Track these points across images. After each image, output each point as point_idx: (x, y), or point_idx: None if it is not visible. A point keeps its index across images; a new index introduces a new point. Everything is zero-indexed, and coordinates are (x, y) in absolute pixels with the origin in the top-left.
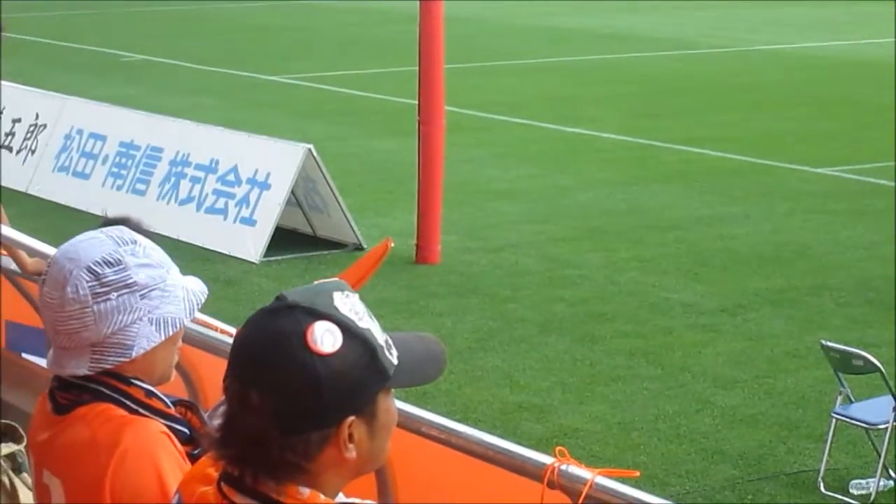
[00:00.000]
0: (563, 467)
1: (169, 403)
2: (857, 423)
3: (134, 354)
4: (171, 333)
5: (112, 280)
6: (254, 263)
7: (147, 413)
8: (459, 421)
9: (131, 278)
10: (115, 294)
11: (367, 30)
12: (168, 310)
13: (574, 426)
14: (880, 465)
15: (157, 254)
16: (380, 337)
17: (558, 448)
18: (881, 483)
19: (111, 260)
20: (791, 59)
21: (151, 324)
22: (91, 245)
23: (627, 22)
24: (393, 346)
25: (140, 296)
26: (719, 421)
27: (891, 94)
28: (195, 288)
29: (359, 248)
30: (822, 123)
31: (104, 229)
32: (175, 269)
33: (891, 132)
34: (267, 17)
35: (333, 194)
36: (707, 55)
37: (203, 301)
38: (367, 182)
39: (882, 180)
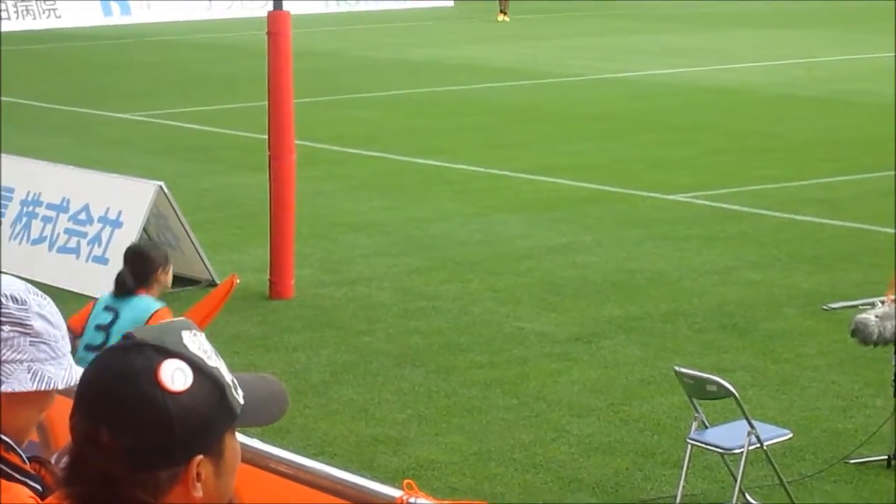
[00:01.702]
0: (412, 500)
1: (26, 459)
2: (713, 448)
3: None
4: (42, 389)
5: (12, 314)
6: None
7: (5, 467)
8: (314, 455)
9: (29, 321)
10: (9, 328)
11: (215, 65)
12: (49, 369)
13: (431, 458)
14: (736, 489)
15: (59, 319)
16: (227, 376)
17: (406, 481)
18: None
19: (18, 298)
20: (642, 86)
21: (29, 372)
22: (7, 280)
23: (478, 53)
24: (238, 386)
25: (30, 342)
26: (576, 449)
27: (741, 120)
28: (78, 373)
29: (212, 284)
30: (674, 150)
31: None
32: (69, 346)
33: (742, 157)
34: (113, 54)
35: (186, 231)
36: (558, 84)
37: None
38: (219, 218)
39: (734, 206)
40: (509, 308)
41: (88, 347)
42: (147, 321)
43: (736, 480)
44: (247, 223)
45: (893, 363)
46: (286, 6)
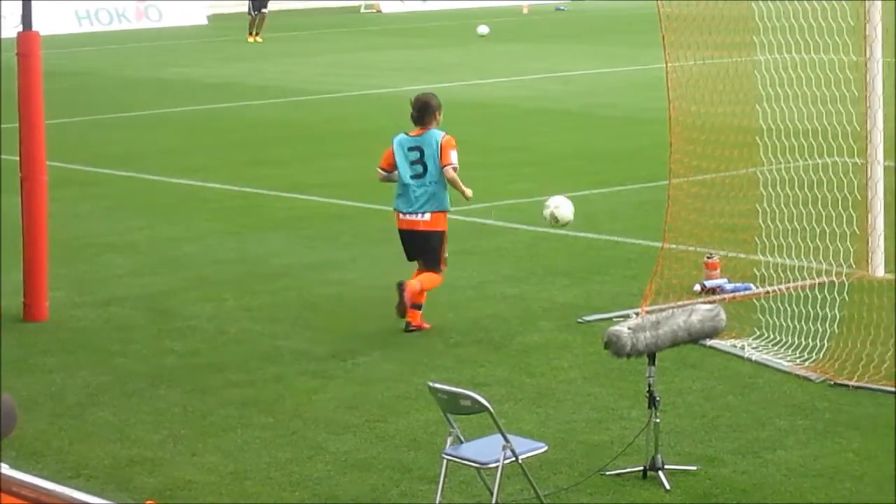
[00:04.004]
0: None
1: None
2: (468, 463)
3: None
4: None
5: None
6: None
7: None
8: (69, 479)
9: None
10: None
11: None
12: None
13: (187, 478)
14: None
15: None
16: None
17: (148, 502)
18: None
19: None
20: (397, 102)
21: None
22: None
23: (233, 71)
24: None
25: None
26: (332, 467)
27: (496, 135)
28: None
29: None
30: None
31: None
32: None
33: (497, 172)
34: None
35: None
36: (313, 101)
37: None
38: None
39: (488, 220)
40: (265, 326)
41: (414, 176)
42: (441, 144)
43: (492, 495)
44: (1, 246)
45: (647, 375)
46: (37, 26)
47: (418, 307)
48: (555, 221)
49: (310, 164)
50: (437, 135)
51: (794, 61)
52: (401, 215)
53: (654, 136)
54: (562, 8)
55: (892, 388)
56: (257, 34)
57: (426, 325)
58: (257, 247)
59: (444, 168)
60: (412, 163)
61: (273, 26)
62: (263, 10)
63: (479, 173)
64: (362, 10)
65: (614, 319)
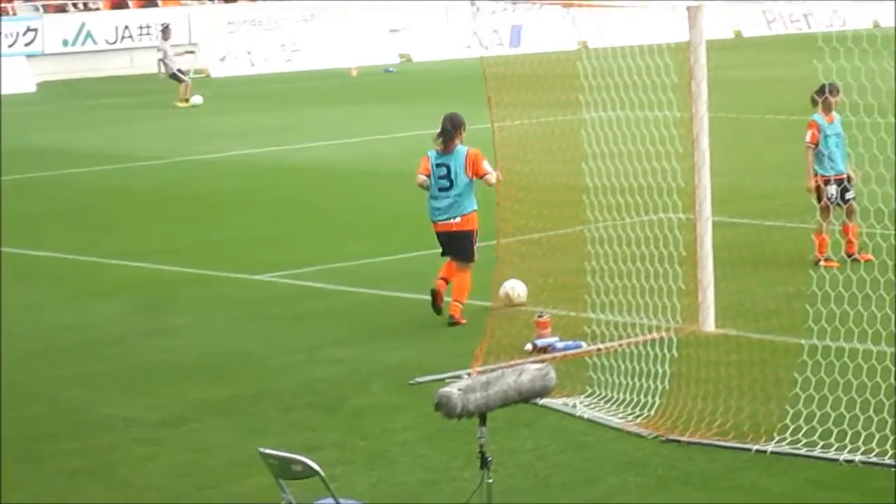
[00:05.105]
0: None
1: None
2: None
3: None
4: None
5: None
6: None
7: None
8: None
9: None
10: None
11: None
12: None
13: None
14: None
15: None
16: None
17: None
18: None
19: None
20: (228, 166)
21: None
22: None
23: (63, 137)
24: None
25: None
26: None
27: (328, 197)
28: None
29: None
30: (260, 230)
31: None
32: None
33: (328, 235)
34: None
35: None
36: (144, 167)
37: None
38: None
39: (320, 283)
40: (98, 394)
41: (440, 189)
42: (465, 159)
43: None
44: None
45: (478, 435)
46: None
47: (460, 303)
48: (510, 302)
49: (143, 230)
50: (462, 150)
51: (619, 119)
52: (436, 222)
53: (485, 196)
54: (391, 70)
55: (724, 444)
56: (185, 100)
57: (463, 320)
58: (92, 314)
59: (484, 178)
60: (439, 177)
61: (102, 92)
62: (185, 78)
63: (310, 236)
64: (191, 74)
65: (446, 381)
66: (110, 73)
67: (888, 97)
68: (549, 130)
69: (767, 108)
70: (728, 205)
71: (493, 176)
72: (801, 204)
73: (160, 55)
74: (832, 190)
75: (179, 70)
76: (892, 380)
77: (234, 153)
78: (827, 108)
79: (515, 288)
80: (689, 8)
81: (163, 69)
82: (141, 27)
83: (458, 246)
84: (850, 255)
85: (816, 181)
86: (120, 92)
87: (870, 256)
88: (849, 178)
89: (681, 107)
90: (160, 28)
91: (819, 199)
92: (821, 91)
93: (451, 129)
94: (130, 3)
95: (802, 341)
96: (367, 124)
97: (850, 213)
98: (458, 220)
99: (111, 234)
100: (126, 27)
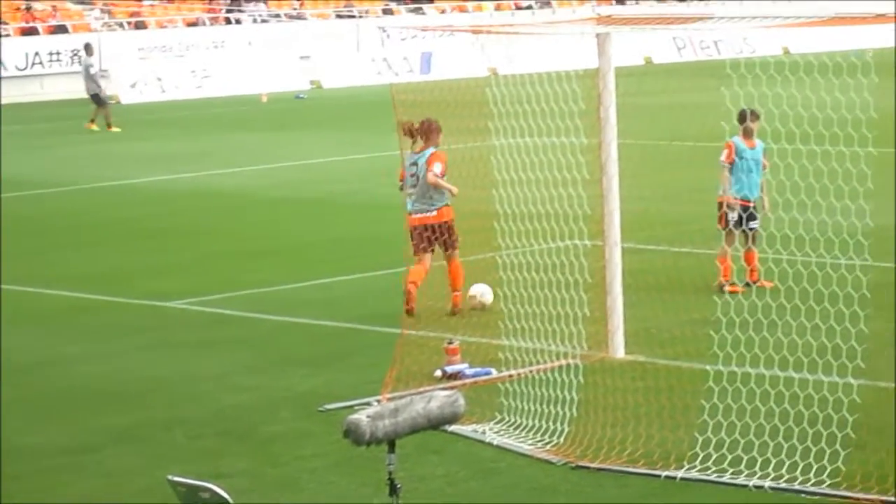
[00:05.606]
0: None
1: None
2: None
3: None
4: None
5: None
6: None
7: None
8: None
9: None
10: None
11: None
12: None
13: None
14: None
15: None
16: None
17: None
18: None
19: None
20: (137, 193)
21: None
22: None
23: None
24: None
25: None
26: None
27: (238, 224)
28: None
29: None
30: (169, 257)
31: None
32: None
33: (238, 262)
34: None
35: None
36: (56, 194)
37: None
38: None
39: (229, 310)
40: (8, 422)
41: (412, 186)
42: (428, 159)
43: None
44: None
45: (387, 462)
46: None
47: (458, 291)
48: (482, 306)
49: (47, 257)
50: (427, 152)
51: (527, 145)
52: (411, 215)
53: (397, 223)
54: (301, 96)
55: (634, 470)
56: (109, 126)
57: (459, 305)
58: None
59: (426, 174)
60: (411, 175)
61: (11, 119)
62: (108, 102)
63: (221, 262)
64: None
65: (355, 407)
66: (20, 100)
67: (795, 122)
68: (460, 157)
69: (675, 134)
70: (636, 231)
71: (431, 175)
72: (708, 230)
73: (85, 71)
74: (733, 215)
75: (101, 94)
76: (801, 405)
77: (144, 179)
78: (748, 134)
79: (485, 294)
80: (598, 35)
81: (92, 85)
82: (51, 53)
83: (438, 236)
84: (752, 283)
85: (726, 200)
86: (30, 118)
87: (770, 283)
88: (755, 207)
89: (588, 133)
90: (83, 46)
91: (723, 223)
92: (741, 117)
93: (425, 132)
94: (41, 30)
95: (708, 367)
96: (279, 151)
97: (753, 240)
98: (434, 213)
99: (20, 261)
100: (36, 53)
